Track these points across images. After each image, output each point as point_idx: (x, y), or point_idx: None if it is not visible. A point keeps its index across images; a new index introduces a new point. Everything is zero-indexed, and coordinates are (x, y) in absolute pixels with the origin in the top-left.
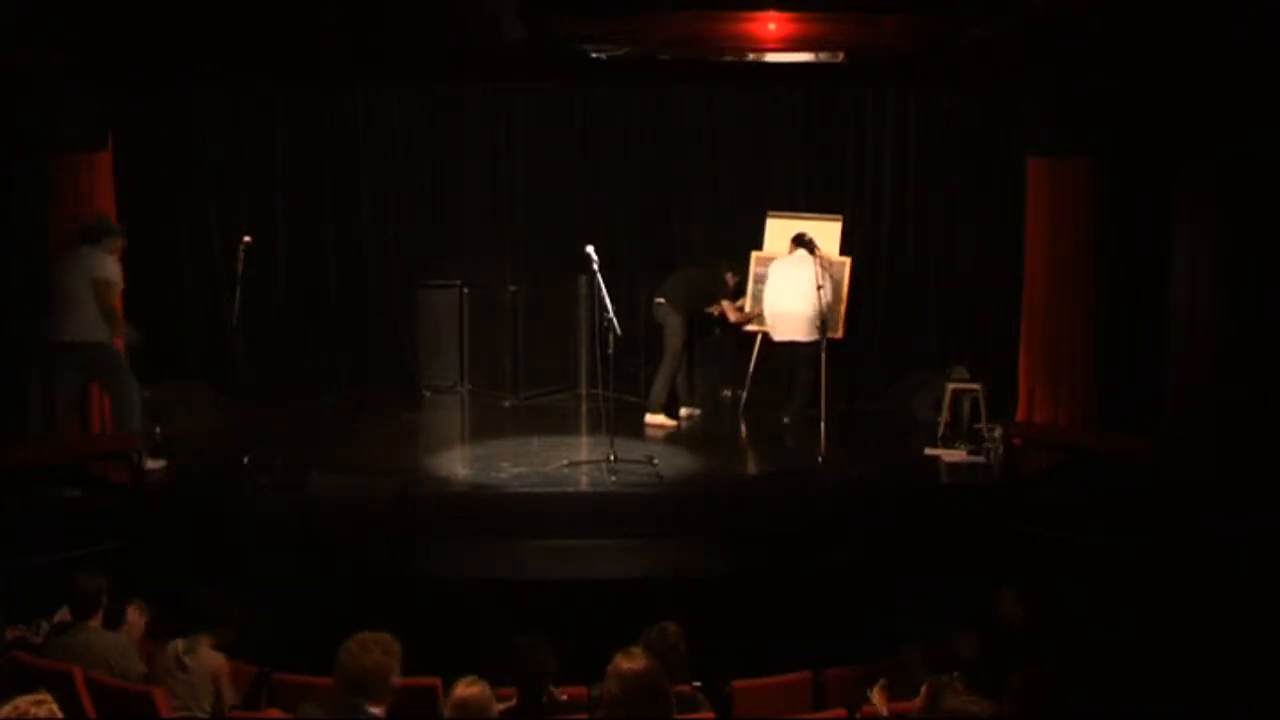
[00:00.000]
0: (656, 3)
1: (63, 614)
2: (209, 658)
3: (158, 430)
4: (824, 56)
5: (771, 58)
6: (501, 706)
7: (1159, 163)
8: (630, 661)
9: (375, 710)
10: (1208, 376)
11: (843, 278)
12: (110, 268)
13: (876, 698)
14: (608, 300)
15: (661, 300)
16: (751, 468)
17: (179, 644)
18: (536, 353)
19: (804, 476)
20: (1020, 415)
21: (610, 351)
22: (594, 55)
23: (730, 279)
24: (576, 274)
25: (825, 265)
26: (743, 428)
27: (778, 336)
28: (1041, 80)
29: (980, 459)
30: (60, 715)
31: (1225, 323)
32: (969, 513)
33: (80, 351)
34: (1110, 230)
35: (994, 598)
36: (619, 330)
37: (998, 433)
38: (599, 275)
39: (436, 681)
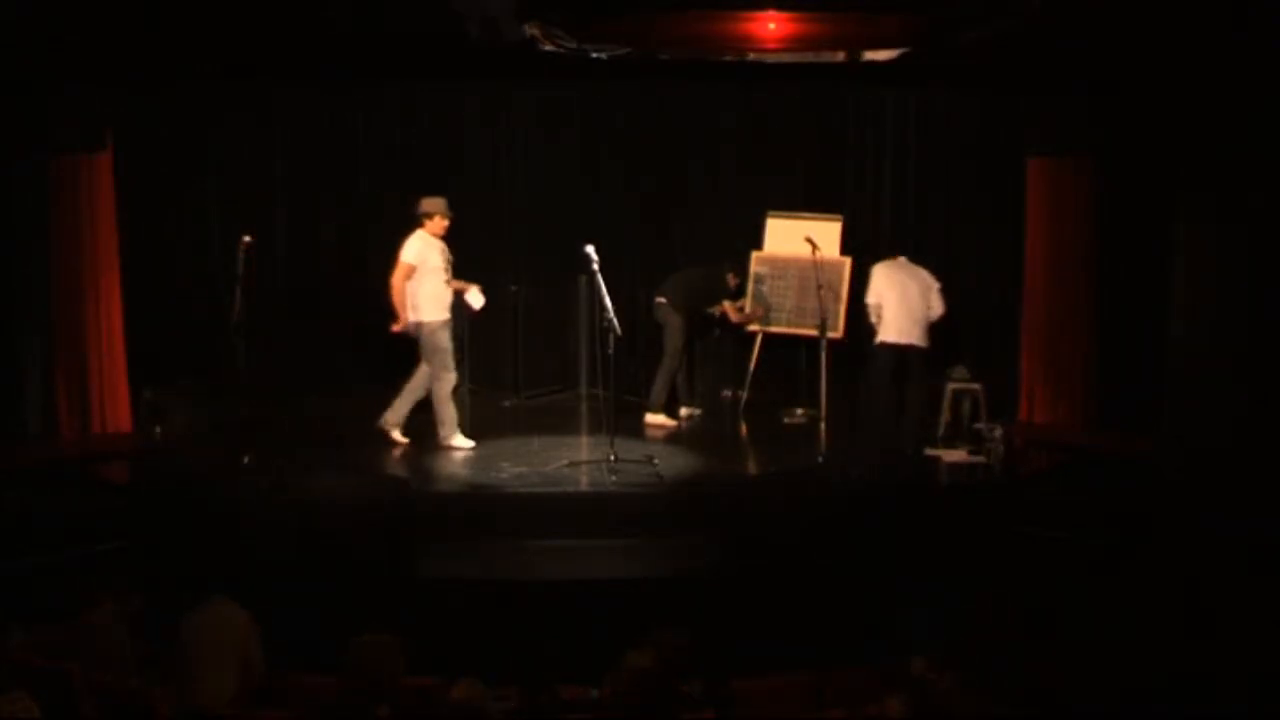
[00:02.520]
0: (656, 3)
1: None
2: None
3: (158, 430)
4: (880, 56)
5: (773, 59)
6: (501, 707)
7: (1159, 163)
8: (641, 658)
9: (380, 711)
10: (1208, 376)
11: (842, 278)
12: (410, 247)
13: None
14: (607, 300)
15: (662, 300)
16: (751, 468)
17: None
18: (536, 353)
19: (804, 476)
20: (1020, 415)
21: (610, 351)
22: (594, 55)
23: (731, 279)
24: (576, 274)
25: (821, 265)
26: (743, 428)
27: (894, 338)
28: (1041, 80)
29: (980, 459)
30: (37, 715)
31: (1225, 323)
32: (969, 513)
33: (417, 329)
34: (1110, 230)
35: (978, 602)
36: (619, 330)
37: (998, 433)
38: (598, 275)
39: (436, 682)
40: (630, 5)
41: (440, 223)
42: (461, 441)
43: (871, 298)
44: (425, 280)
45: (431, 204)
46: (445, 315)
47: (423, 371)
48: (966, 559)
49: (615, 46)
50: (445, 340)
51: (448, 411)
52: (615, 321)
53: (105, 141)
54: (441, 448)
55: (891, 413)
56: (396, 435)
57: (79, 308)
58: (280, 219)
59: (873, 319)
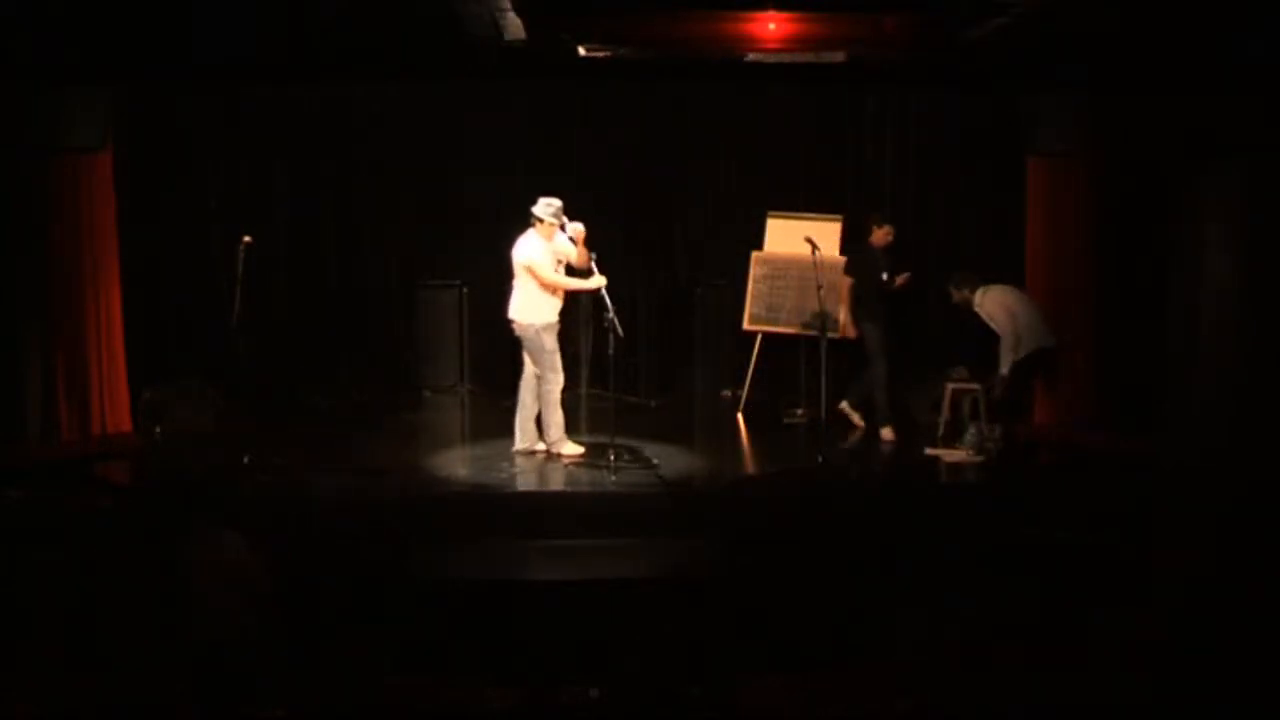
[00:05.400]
0: (656, 3)
1: None
2: None
3: (158, 430)
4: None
5: (773, 59)
6: (501, 706)
7: (1158, 162)
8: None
9: None
10: (1208, 376)
11: (843, 278)
12: (530, 252)
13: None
14: (608, 300)
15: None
16: (751, 468)
17: None
18: None
19: (804, 476)
20: (1020, 415)
21: (611, 351)
22: (593, 55)
23: (877, 234)
24: (576, 274)
25: (820, 265)
26: (743, 428)
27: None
28: (1041, 80)
29: (981, 459)
30: None
31: (1226, 322)
32: (969, 513)
33: (513, 329)
34: (1110, 230)
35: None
36: (620, 331)
37: (998, 433)
38: (596, 273)
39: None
40: (631, 5)
41: (550, 227)
42: (571, 449)
43: (1008, 325)
44: (531, 281)
45: (545, 207)
46: (549, 319)
47: (529, 375)
48: (966, 559)
49: (615, 46)
50: (550, 342)
51: (555, 416)
52: (616, 321)
53: (105, 141)
54: (551, 454)
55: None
56: (540, 447)
57: (79, 308)
58: (280, 219)
59: (1011, 344)
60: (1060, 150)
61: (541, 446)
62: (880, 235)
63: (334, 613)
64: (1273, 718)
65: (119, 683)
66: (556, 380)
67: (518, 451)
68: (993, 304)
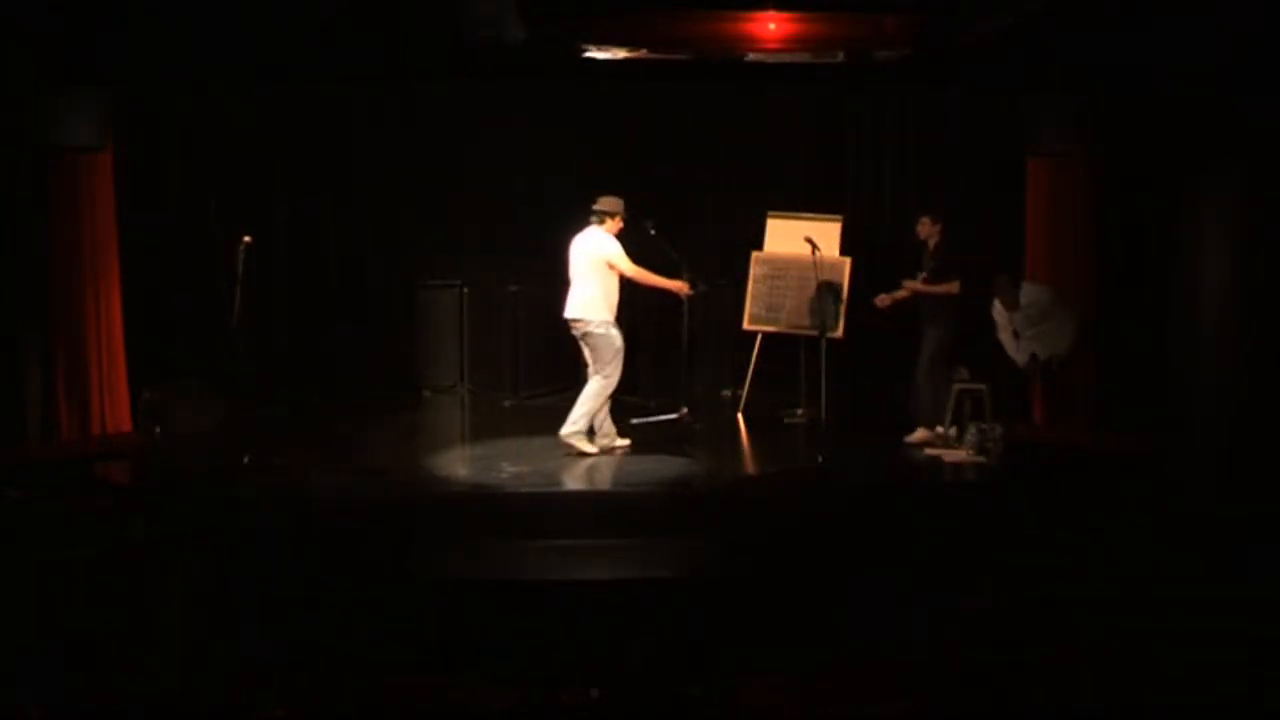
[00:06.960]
0: (656, 3)
1: None
2: None
3: (158, 430)
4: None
5: (773, 59)
6: (501, 706)
7: (1159, 162)
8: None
9: None
10: (1209, 375)
11: (843, 278)
12: (613, 247)
13: None
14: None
15: None
16: (751, 468)
17: None
18: (536, 353)
19: (804, 476)
20: (1021, 415)
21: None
22: (593, 55)
23: (924, 227)
24: None
25: (821, 265)
26: (742, 428)
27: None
28: (1041, 80)
29: (981, 459)
30: None
31: (1227, 322)
32: (969, 513)
33: (577, 327)
34: (1111, 230)
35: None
36: (699, 284)
37: (998, 433)
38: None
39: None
40: (630, 5)
41: (618, 223)
42: (584, 445)
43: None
44: (604, 277)
45: (612, 203)
46: (613, 315)
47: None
48: (966, 559)
49: (615, 46)
50: (619, 338)
51: (594, 409)
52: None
53: (105, 141)
54: (560, 443)
55: None
56: (586, 446)
57: (79, 308)
58: (280, 219)
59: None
60: (1060, 150)
61: (622, 441)
62: (919, 229)
63: (334, 613)
64: (1271, 717)
65: (119, 683)
66: (616, 378)
67: (604, 448)
68: (1037, 305)
